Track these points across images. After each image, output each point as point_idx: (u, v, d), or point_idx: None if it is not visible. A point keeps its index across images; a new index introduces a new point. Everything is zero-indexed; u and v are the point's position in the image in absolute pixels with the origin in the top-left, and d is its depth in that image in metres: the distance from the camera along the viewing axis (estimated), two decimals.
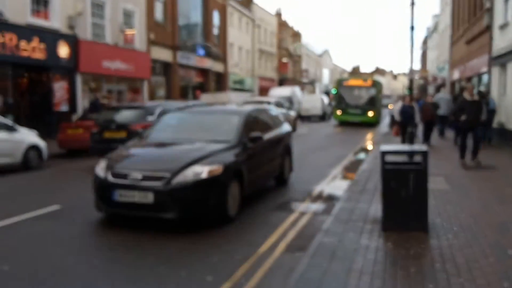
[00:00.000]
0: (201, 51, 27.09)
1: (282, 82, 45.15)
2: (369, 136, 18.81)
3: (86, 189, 6.56)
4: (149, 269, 4.21)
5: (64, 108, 16.30)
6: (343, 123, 24.51)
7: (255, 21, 39.09)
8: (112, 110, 11.81)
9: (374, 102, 24.50)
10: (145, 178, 5.24)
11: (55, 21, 15.56)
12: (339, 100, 25.03)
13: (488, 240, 4.64)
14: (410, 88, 13.90)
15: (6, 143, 9.55)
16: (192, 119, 7.17)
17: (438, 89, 28.67)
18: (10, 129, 9.79)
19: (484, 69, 16.19)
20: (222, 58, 30.89)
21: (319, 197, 7.31)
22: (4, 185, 8.44)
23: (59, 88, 16.19)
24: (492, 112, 12.87)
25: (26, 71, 15.50)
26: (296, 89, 34.20)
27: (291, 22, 54.62)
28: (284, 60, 47.14)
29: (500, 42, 14.19)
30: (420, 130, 14.53)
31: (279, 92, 31.32)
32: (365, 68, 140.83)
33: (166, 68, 24.05)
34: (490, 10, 15.23)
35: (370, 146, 14.88)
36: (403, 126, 12.56)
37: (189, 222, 5.44)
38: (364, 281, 3.65)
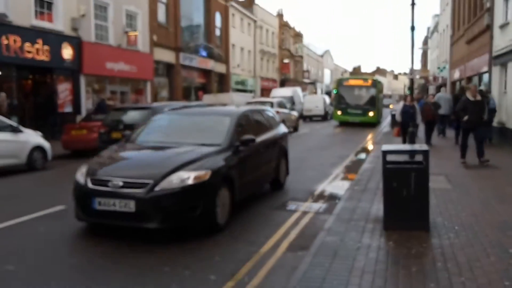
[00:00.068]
0: (204, 52, 27.19)
1: (283, 82, 45.18)
2: (370, 136, 18.82)
3: None
4: (152, 268, 4.24)
5: (68, 109, 16.42)
6: (343, 123, 24.24)
7: (257, 22, 39.15)
8: (120, 110, 11.86)
9: (374, 102, 24.20)
10: (126, 185, 4.90)
11: (59, 23, 15.67)
12: (339, 100, 24.69)
13: (490, 239, 4.66)
14: (411, 88, 13.95)
15: (11, 144, 9.64)
16: (182, 121, 6.83)
17: (438, 88, 28.65)
18: (15, 130, 9.87)
19: (485, 68, 16.20)
20: (224, 59, 30.96)
21: (321, 197, 7.35)
22: (9, 185, 8.53)
23: (63, 89, 16.31)
24: (492, 111, 12.89)
25: (30, 72, 15.65)
26: (298, 90, 34.28)
27: (292, 23, 54.68)
28: (286, 60, 47.16)
29: (501, 41, 14.20)
30: (421, 130, 14.55)
31: (281, 92, 31.36)
32: (366, 68, 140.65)
33: (169, 69, 24.14)
34: (490, 10, 15.25)
35: (371, 146, 14.91)
36: (404, 126, 12.59)
37: (175, 232, 5.10)
38: (366, 280, 3.68)
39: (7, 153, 9.52)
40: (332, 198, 7.19)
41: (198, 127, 6.43)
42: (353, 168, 10.24)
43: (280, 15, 47.45)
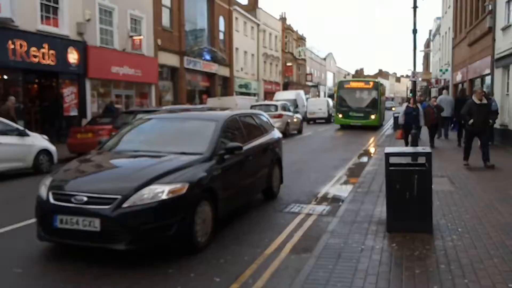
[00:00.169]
0: (208, 56, 27.31)
1: (286, 85, 45.26)
2: (373, 138, 18.79)
3: None
4: (157, 270, 4.26)
5: (73, 113, 16.56)
6: (346, 126, 23.80)
7: (260, 25, 39.30)
8: (129, 114, 11.86)
9: (376, 105, 23.61)
10: (91, 200, 4.33)
11: (65, 28, 15.81)
12: (340, 103, 24.06)
13: (493, 241, 4.67)
14: (413, 90, 13.97)
15: (18, 147, 9.73)
16: (163, 126, 6.20)
17: (440, 91, 28.64)
18: (21, 133, 9.96)
19: (487, 71, 16.20)
20: (227, 62, 31.08)
21: (324, 199, 7.38)
22: (16, 189, 8.62)
23: (69, 93, 16.46)
24: (494, 113, 12.89)
25: (36, 77, 15.80)
26: (301, 93, 34.40)
27: (295, 26, 54.81)
28: (289, 63, 47.28)
29: (503, 44, 14.21)
30: (423, 133, 14.55)
31: (284, 95, 31.45)
32: (369, 71, 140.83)
33: (173, 73, 24.27)
34: (492, 13, 15.27)
35: (373, 148, 14.92)
36: (406, 129, 12.61)
37: (147, 253, 4.53)
38: (369, 282, 3.70)
39: (13, 157, 9.61)
40: (336, 200, 7.21)
41: (180, 134, 5.83)
42: (356, 170, 10.25)
43: (283, 19, 47.61)
